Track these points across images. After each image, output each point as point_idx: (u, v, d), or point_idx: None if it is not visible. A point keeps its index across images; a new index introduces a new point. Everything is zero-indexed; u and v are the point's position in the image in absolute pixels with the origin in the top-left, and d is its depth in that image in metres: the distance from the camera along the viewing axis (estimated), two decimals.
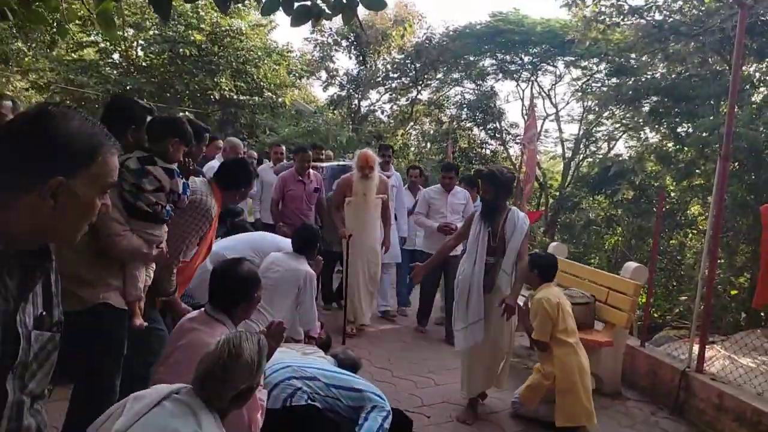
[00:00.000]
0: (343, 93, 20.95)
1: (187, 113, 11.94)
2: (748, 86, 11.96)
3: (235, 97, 15.09)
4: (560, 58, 17.60)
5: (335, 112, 20.39)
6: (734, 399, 4.05)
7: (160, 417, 1.71)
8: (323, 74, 21.52)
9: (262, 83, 15.75)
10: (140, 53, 15.84)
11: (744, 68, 12.70)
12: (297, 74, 18.27)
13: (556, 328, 3.95)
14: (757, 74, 12.41)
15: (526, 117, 16.26)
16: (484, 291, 3.94)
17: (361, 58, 20.32)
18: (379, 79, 20.45)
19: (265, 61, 15.78)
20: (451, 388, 4.48)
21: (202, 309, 2.65)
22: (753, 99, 11.80)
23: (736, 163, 10.01)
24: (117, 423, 1.70)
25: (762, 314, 10.92)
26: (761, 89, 12.16)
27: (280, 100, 16.07)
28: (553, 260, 4.36)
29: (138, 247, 2.55)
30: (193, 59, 14.53)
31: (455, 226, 5.68)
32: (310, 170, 6.18)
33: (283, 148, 7.44)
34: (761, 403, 3.99)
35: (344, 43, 20.34)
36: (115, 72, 15.10)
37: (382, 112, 21.71)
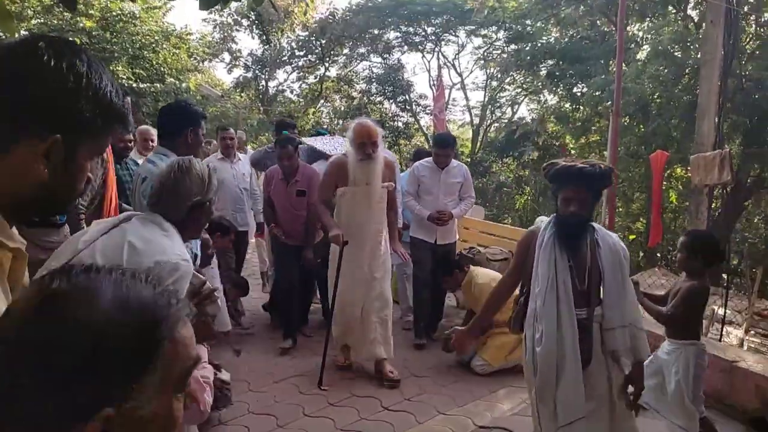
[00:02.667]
0: (249, 74, 20.48)
1: None
2: (633, 45, 12.92)
3: (134, 85, 14.35)
4: (461, 28, 18.11)
5: (243, 94, 19.92)
6: None
7: (125, 231, 1.77)
8: (226, 56, 20.93)
9: (162, 69, 15.07)
10: None
11: (628, 28, 13.67)
12: (199, 57, 17.63)
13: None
14: (640, 33, 13.41)
15: (433, 87, 16.65)
16: (582, 366, 2.38)
17: (264, 38, 19.89)
18: (285, 58, 20.15)
19: (164, 46, 15.08)
20: None
21: None
22: (638, 56, 12.78)
23: (627, 117, 10.87)
24: (81, 240, 1.77)
25: (658, 254, 12.06)
26: (644, 46, 13.16)
27: (183, 85, 15.46)
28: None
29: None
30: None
31: (451, 214, 4.69)
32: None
33: (233, 131, 6.16)
34: (660, 329, 4.52)
35: (245, 22, 19.80)
36: None
37: (292, 92, 21.48)
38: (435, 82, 15.57)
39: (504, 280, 2.81)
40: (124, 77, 14.29)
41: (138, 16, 14.55)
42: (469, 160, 18.24)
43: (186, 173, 1.89)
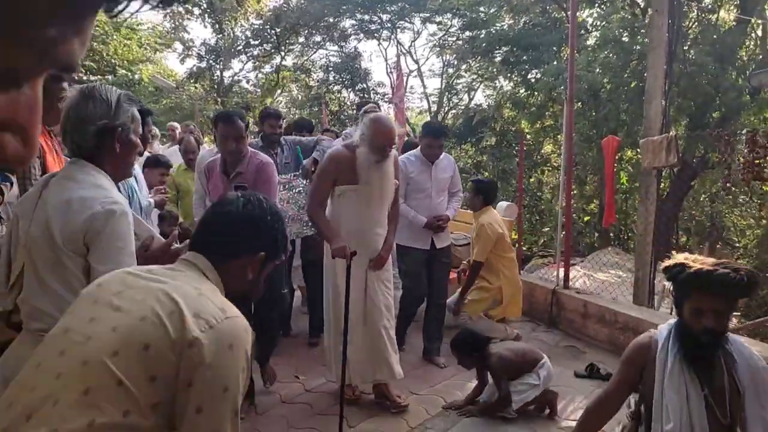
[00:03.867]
0: (203, 64, 20.05)
1: None
2: (582, 31, 13.26)
3: (84, 77, 13.94)
4: (416, 15, 18.17)
5: (197, 85, 19.52)
6: (595, 306, 4.80)
7: (45, 201, 1.63)
8: (178, 46, 20.42)
9: (113, 60, 14.70)
10: None
11: (578, 14, 14.01)
12: (150, 48, 17.19)
13: (499, 246, 4.59)
14: (590, 19, 13.77)
15: (391, 75, 16.71)
16: None
17: (217, 26, 19.49)
18: (240, 47, 19.80)
19: (114, 37, 14.70)
20: None
21: None
22: (588, 43, 13.13)
23: (579, 103, 11.20)
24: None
25: (611, 234, 12.54)
26: (594, 33, 13.52)
27: (136, 76, 15.14)
28: (494, 184, 4.98)
29: None
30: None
31: (447, 217, 4.24)
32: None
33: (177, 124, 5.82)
34: (615, 305, 4.79)
35: (197, 11, 19.34)
36: None
37: (248, 82, 21.14)
38: (392, 70, 15.64)
39: (608, 397, 2.19)
40: None
41: None
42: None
43: (88, 97, 1.66)
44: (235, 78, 20.77)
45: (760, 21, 10.85)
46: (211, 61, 19.93)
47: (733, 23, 10.78)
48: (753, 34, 11.62)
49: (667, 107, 5.86)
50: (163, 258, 1.80)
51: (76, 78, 13.65)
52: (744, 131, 5.01)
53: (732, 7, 11.77)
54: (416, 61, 19.74)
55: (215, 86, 20.05)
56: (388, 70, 18.70)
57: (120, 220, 1.58)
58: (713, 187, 11.65)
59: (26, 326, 1.61)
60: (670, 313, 5.45)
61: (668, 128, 5.34)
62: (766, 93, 9.31)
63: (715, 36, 10.28)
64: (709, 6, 11.43)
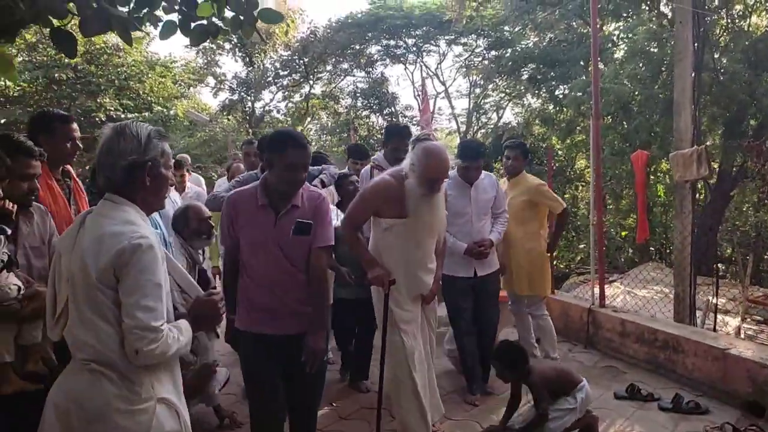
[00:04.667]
0: (235, 97, 20.65)
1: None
2: (610, 45, 13.16)
3: (122, 115, 14.47)
4: (441, 38, 18.37)
5: (230, 117, 20.06)
6: (633, 324, 4.68)
7: (82, 239, 1.69)
8: (211, 80, 21.09)
9: (149, 98, 15.24)
10: (8, 83, 14.78)
11: (604, 28, 13.92)
12: (184, 84, 17.79)
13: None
14: (617, 32, 13.65)
15: (418, 98, 16.86)
16: None
17: (247, 60, 20.09)
18: (270, 78, 20.33)
19: (149, 75, 15.27)
20: None
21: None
22: (616, 56, 13.01)
23: (609, 117, 11.05)
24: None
25: (651, 249, 12.22)
26: (621, 46, 13.40)
27: (171, 112, 15.62)
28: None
29: None
30: (71, 82, 13.79)
31: (491, 241, 3.93)
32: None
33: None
34: (654, 323, 4.66)
35: (227, 45, 19.99)
36: None
37: (278, 111, 21.66)
38: (419, 93, 15.78)
39: None
40: (112, 108, 14.43)
41: (122, 48, 14.73)
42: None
43: (119, 134, 1.72)
44: (266, 108, 21.32)
45: None
46: (242, 93, 20.50)
47: (766, 29, 10.53)
48: None
49: (698, 118, 5.74)
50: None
51: (114, 117, 14.19)
52: None
53: (764, 12, 11.52)
54: (443, 83, 19.90)
55: (247, 117, 20.58)
56: (415, 93, 18.88)
57: (146, 253, 1.61)
58: (755, 196, 11.27)
59: (73, 356, 1.70)
60: (714, 329, 5.27)
61: (700, 140, 5.22)
62: None
63: (747, 42, 10.05)
64: (740, 12, 11.20)
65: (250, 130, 18.65)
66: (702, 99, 6.94)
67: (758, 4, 11.28)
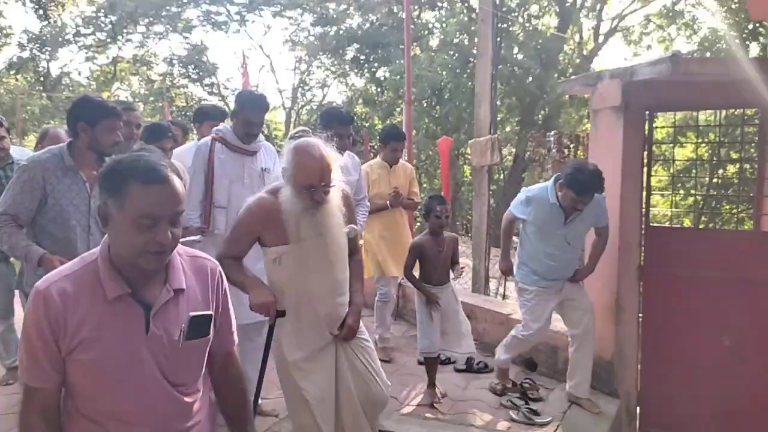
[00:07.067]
0: (26, 54, 17.98)
1: None
2: (426, 32, 13.97)
3: None
4: (266, 8, 17.87)
5: (19, 77, 17.49)
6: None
7: None
8: None
9: None
10: None
11: (422, 15, 14.71)
12: None
13: None
14: (433, 20, 14.53)
15: (241, 70, 16.30)
16: None
17: (41, 12, 17.57)
18: (69, 36, 18.04)
19: None
20: None
21: None
22: (431, 44, 13.85)
23: (424, 102, 11.80)
24: None
25: (458, 223, 13.41)
26: (436, 34, 14.30)
27: None
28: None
29: None
30: None
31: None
32: None
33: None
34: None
35: None
36: None
37: (80, 74, 19.40)
38: (242, 65, 15.24)
39: None
40: None
41: None
42: (283, 143, 18.33)
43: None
44: (65, 69, 18.92)
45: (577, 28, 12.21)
46: (35, 51, 17.93)
47: (554, 30, 12.01)
48: (571, 41, 13.05)
49: (494, 110, 6.38)
50: None
51: None
52: (552, 133, 5.67)
53: (553, 14, 13.12)
54: (268, 56, 19.47)
55: (41, 78, 18.08)
56: (239, 66, 18.23)
57: None
58: (539, 180, 12.92)
59: None
60: (504, 297, 5.98)
61: (495, 129, 5.83)
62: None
63: (540, 41, 11.37)
64: (535, 13, 12.62)
65: (43, 93, 16.46)
66: (500, 90, 7.73)
67: (549, 6, 12.82)
